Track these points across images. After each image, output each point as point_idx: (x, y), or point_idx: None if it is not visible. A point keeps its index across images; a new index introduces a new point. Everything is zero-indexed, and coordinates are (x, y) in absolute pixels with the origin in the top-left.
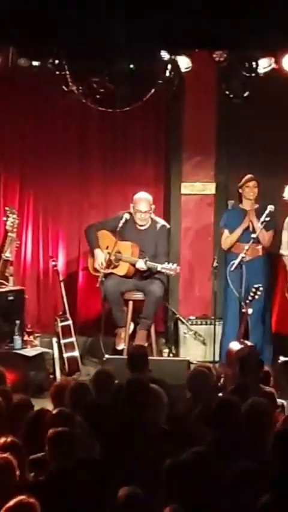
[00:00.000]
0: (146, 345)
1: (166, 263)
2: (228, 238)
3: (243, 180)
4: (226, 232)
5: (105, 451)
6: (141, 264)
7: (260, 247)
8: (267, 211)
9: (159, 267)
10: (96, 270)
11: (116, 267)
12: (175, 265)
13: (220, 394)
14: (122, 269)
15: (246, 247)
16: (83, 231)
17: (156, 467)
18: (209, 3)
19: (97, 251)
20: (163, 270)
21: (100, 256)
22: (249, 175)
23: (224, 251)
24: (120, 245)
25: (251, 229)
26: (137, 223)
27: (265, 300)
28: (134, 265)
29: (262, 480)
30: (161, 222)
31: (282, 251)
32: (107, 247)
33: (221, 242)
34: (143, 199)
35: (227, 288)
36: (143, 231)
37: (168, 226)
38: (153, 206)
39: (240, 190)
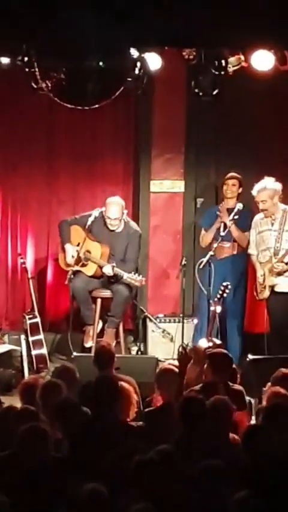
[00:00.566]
0: (114, 342)
1: (133, 273)
2: (204, 237)
3: (225, 178)
4: (203, 231)
5: (73, 448)
6: (108, 270)
7: (229, 245)
8: (235, 210)
9: (125, 275)
10: (67, 265)
11: (84, 265)
12: (140, 276)
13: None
14: (90, 269)
15: (215, 245)
16: (52, 228)
17: (124, 464)
18: (178, 1)
19: (68, 246)
20: (128, 280)
21: (71, 252)
22: (230, 174)
23: (202, 249)
24: (91, 245)
25: (222, 227)
26: (115, 229)
27: (239, 299)
28: (101, 268)
29: (228, 476)
30: (134, 227)
31: (250, 250)
32: (78, 244)
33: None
34: (114, 204)
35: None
36: (115, 234)
37: (140, 232)
38: (125, 211)
39: (223, 189)
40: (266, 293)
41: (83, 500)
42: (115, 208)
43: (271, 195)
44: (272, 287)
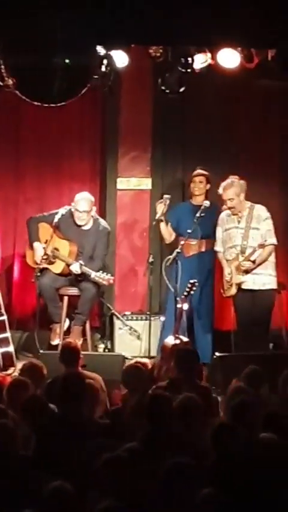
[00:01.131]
0: (81, 340)
1: (101, 272)
2: (166, 234)
3: (192, 175)
4: (168, 225)
5: (40, 445)
6: (75, 268)
7: (195, 243)
8: (202, 207)
9: (92, 274)
10: (35, 263)
11: (52, 263)
12: (109, 275)
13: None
14: (58, 267)
15: (182, 242)
16: (19, 226)
17: (92, 461)
18: None
19: (36, 244)
20: (96, 279)
21: (39, 250)
22: (197, 171)
23: (167, 247)
24: (59, 243)
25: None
26: (76, 222)
27: (207, 296)
28: (69, 266)
29: (195, 474)
30: (103, 224)
31: (216, 248)
32: (46, 241)
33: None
34: (82, 199)
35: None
36: (83, 231)
37: (109, 229)
38: (94, 207)
39: (190, 185)
40: (233, 290)
41: (47, 498)
42: (84, 202)
43: (237, 192)
44: (238, 285)
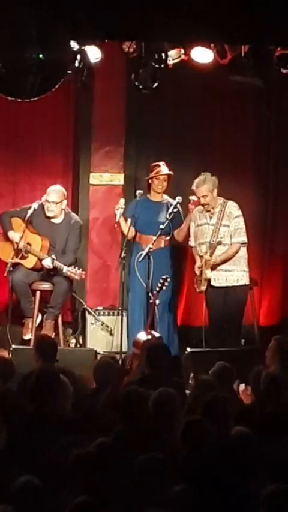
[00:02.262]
0: (53, 335)
1: (72, 266)
2: (125, 228)
3: (154, 172)
4: (128, 221)
5: (11, 441)
6: (47, 262)
7: (168, 238)
8: (174, 203)
9: (64, 269)
10: (7, 256)
11: (24, 258)
12: (80, 270)
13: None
14: (30, 262)
15: (154, 238)
16: None
17: (63, 457)
18: None
19: (11, 233)
20: (68, 273)
21: (16, 237)
22: (161, 167)
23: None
24: (31, 237)
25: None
26: (53, 217)
27: (172, 291)
28: (41, 260)
29: (169, 470)
30: (75, 217)
31: (190, 243)
32: (19, 237)
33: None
34: (53, 191)
35: (133, 279)
36: (55, 225)
37: (81, 223)
38: (65, 201)
39: (149, 181)
40: (204, 286)
41: (14, 493)
42: (54, 193)
43: (211, 188)
44: (208, 280)
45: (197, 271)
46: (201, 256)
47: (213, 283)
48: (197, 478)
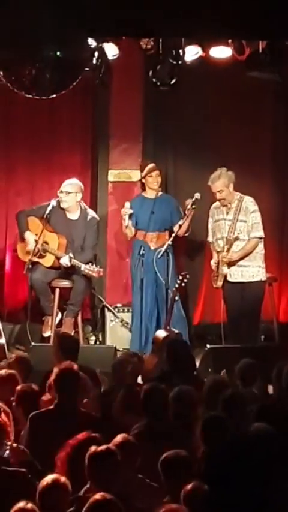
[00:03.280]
0: (72, 332)
1: (90, 264)
2: (127, 229)
3: (146, 170)
4: (128, 221)
5: (34, 438)
6: (65, 261)
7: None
8: (193, 199)
9: (82, 267)
10: (27, 254)
11: (42, 257)
12: (98, 267)
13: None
14: (48, 261)
15: (173, 234)
16: (10, 219)
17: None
18: None
19: (28, 234)
20: (86, 271)
21: (31, 240)
22: (151, 165)
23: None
24: (48, 236)
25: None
26: (66, 213)
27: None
28: (59, 259)
29: (191, 467)
30: (92, 214)
31: (209, 238)
32: (35, 235)
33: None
34: (68, 183)
35: (144, 276)
36: (72, 222)
37: (98, 218)
38: (79, 194)
39: (143, 181)
40: (220, 282)
41: (42, 491)
42: (68, 185)
43: (226, 183)
44: (224, 276)
45: (214, 267)
46: (218, 252)
47: (229, 278)
48: (216, 475)
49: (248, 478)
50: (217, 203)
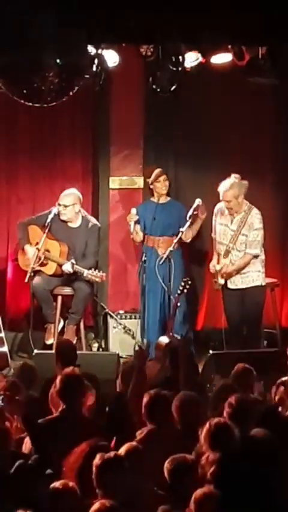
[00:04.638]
0: (75, 339)
1: (92, 269)
2: (136, 235)
3: (154, 176)
4: (137, 226)
5: (38, 446)
6: (67, 267)
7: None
8: (194, 205)
9: (85, 272)
10: (27, 265)
11: (44, 265)
12: (101, 272)
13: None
14: (50, 269)
15: (175, 240)
16: (12, 226)
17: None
18: None
19: (27, 247)
20: (89, 276)
21: (30, 252)
22: (158, 170)
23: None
24: (49, 244)
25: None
26: (67, 222)
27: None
28: (61, 266)
29: (197, 472)
30: (93, 220)
31: (213, 234)
32: (36, 243)
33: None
34: (65, 194)
35: (149, 282)
36: (73, 230)
37: (99, 225)
38: (77, 205)
39: (151, 186)
40: (219, 284)
41: (48, 499)
42: (66, 197)
43: (236, 194)
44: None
45: (212, 270)
46: (218, 254)
47: (229, 285)
48: (222, 480)
49: (258, 482)
50: (222, 205)
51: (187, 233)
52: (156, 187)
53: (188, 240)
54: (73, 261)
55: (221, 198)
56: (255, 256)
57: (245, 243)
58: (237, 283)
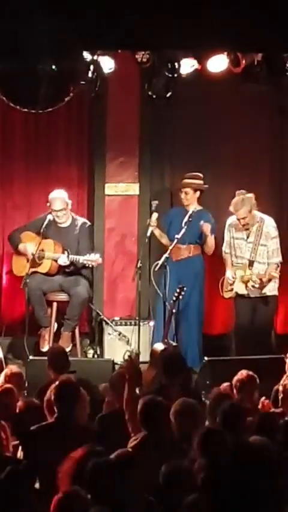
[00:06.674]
0: (70, 346)
1: (88, 254)
2: (162, 239)
3: (181, 184)
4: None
5: (30, 452)
6: (63, 259)
7: (185, 247)
8: (189, 212)
9: (81, 259)
10: (22, 270)
11: (39, 265)
12: (97, 255)
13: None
14: (45, 266)
15: (171, 247)
16: (7, 232)
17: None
18: (131, 3)
19: (21, 245)
20: (85, 262)
21: (29, 248)
22: (183, 181)
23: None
24: (43, 243)
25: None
26: (57, 223)
27: (195, 301)
28: (56, 261)
29: (192, 479)
30: (81, 219)
31: (223, 248)
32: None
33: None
34: (56, 199)
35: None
36: (64, 229)
37: (89, 223)
38: (69, 201)
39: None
40: (232, 294)
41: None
42: (58, 201)
43: (249, 209)
44: (237, 292)
45: (230, 280)
46: (235, 266)
47: (246, 293)
48: (214, 487)
49: (249, 490)
50: (234, 220)
51: (205, 247)
52: (180, 197)
53: (210, 251)
54: (68, 251)
55: (236, 217)
56: (279, 263)
57: (265, 253)
58: (255, 293)
